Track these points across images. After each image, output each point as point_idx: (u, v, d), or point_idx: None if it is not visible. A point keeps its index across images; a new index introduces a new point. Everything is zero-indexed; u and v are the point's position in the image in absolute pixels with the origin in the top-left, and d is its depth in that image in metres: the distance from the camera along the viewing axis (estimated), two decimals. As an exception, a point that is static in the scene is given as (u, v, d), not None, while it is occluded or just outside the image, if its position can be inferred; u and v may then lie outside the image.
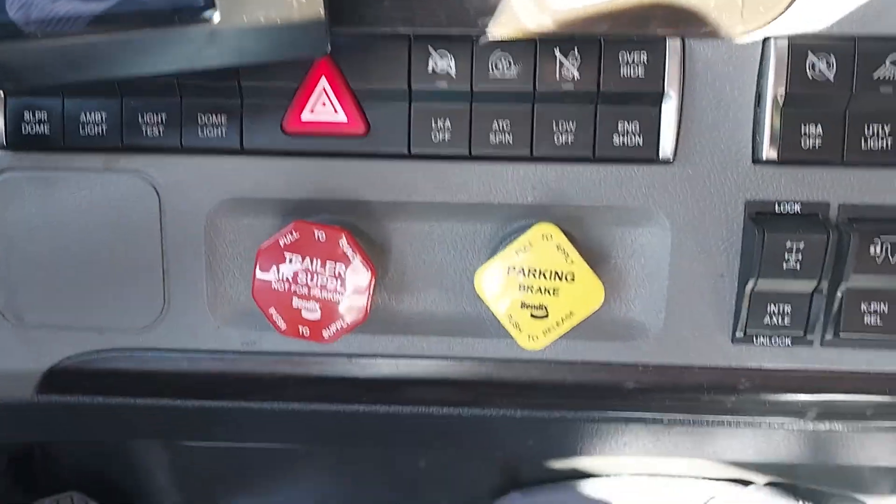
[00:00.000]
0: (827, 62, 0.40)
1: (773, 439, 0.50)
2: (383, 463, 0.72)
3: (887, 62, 0.40)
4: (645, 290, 0.45)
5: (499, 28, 0.42)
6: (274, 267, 0.42)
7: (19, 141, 0.45)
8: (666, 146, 0.42)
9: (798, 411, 0.46)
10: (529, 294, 0.41)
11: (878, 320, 0.42)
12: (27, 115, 0.45)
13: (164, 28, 0.36)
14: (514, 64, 0.42)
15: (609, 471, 0.70)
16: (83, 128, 0.44)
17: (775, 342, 0.44)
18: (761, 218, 0.42)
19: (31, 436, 0.64)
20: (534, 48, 0.42)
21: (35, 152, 0.45)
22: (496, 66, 0.42)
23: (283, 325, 0.43)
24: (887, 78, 0.40)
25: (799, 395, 0.45)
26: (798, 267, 0.41)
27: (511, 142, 0.43)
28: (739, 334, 0.44)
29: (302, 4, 0.37)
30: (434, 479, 0.72)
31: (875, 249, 0.41)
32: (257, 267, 0.42)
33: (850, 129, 0.41)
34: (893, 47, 0.40)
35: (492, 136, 0.43)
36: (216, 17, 0.36)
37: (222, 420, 0.51)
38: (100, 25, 0.36)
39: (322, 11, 0.37)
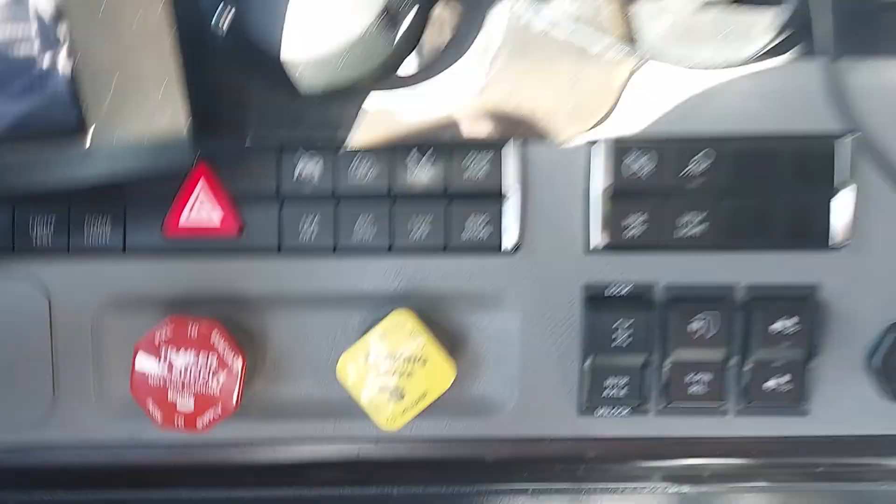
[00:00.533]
0: (645, 159, 0.46)
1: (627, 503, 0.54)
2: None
3: (697, 157, 0.46)
4: (499, 370, 0.49)
5: (356, 138, 0.47)
6: (151, 361, 0.46)
7: None
8: (509, 238, 0.47)
9: (642, 476, 0.50)
10: (386, 377, 0.45)
11: (703, 389, 0.47)
12: None
13: (37, 148, 0.40)
14: (373, 168, 0.47)
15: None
16: None
17: (615, 413, 0.48)
18: (595, 300, 0.47)
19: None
20: (389, 154, 0.47)
21: (-73, 258, 0.48)
22: (357, 171, 0.47)
23: (159, 418, 0.46)
24: (697, 172, 0.46)
25: (641, 461, 0.49)
26: (629, 344, 0.46)
27: (372, 237, 0.47)
28: (583, 407, 0.48)
29: (167, 123, 0.41)
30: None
31: (694, 325, 0.46)
32: (135, 362, 0.45)
33: (668, 217, 0.46)
34: (702, 145, 0.45)
35: (354, 233, 0.47)
36: (87, 138, 0.40)
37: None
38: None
39: (184, 129, 0.41)
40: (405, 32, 0.43)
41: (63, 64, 0.39)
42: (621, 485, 0.50)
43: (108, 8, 0.39)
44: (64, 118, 0.40)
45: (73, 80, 0.39)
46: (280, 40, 0.43)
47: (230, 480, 0.51)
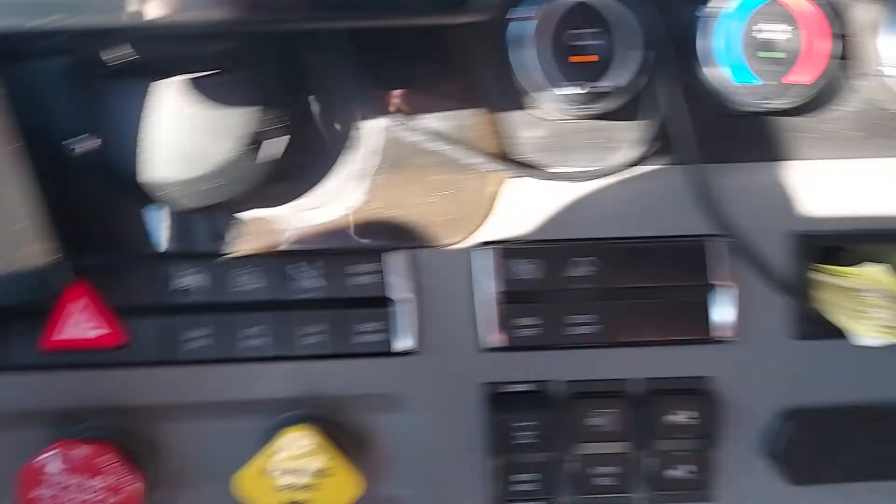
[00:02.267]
0: (530, 264, 0.46)
1: None
2: None
3: (580, 260, 0.46)
4: (409, 468, 0.48)
5: (235, 248, 0.45)
6: (38, 487, 0.44)
7: None
8: (404, 341, 0.47)
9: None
10: (292, 492, 0.44)
11: (609, 481, 0.48)
12: None
13: None
14: (256, 277, 0.46)
15: None
16: None
17: (529, 508, 0.48)
18: (494, 399, 0.47)
19: None
20: (277, 262, 0.46)
21: None
22: (239, 280, 0.46)
23: (52, 548, 0.44)
24: (581, 274, 0.46)
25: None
26: (533, 441, 0.47)
27: (263, 344, 0.46)
28: (494, 499, 0.48)
29: (30, 253, 0.39)
30: None
31: (594, 421, 0.47)
32: (20, 489, 0.44)
33: (558, 318, 0.46)
34: (583, 249, 0.46)
35: (243, 341, 0.46)
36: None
37: None
38: None
39: (49, 258, 0.40)
40: (270, 155, 0.42)
41: None
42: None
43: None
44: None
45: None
46: (142, 164, 0.41)
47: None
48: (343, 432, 0.47)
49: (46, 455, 0.44)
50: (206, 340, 0.46)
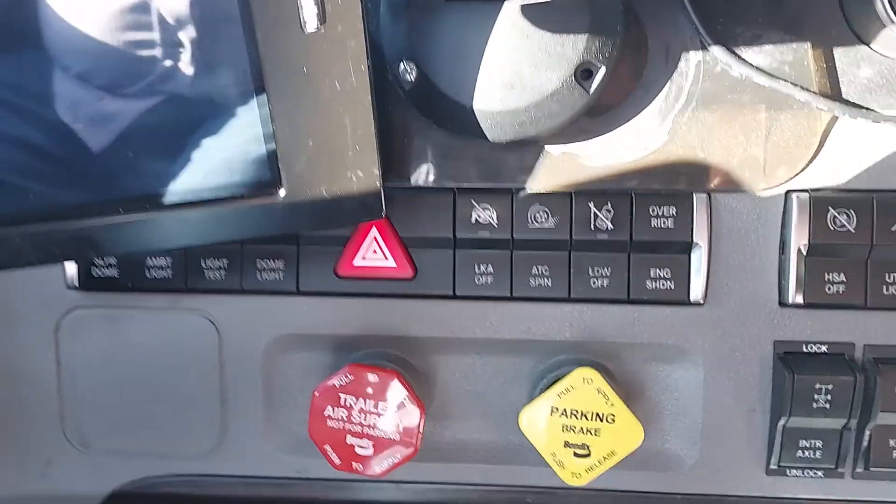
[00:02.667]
0: (847, 215, 0.43)
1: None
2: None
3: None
4: (680, 424, 0.47)
5: (536, 183, 0.45)
6: (329, 407, 0.46)
7: (90, 283, 0.49)
8: (696, 290, 0.45)
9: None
10: (572, 434, 0.44)
11: (906, 455, 0.45)
12: (98, 261, 0.49)
13: (232, 203, 0.40)
14: (552, 215, 0.45)
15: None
16: (149, 271, 0.48)
17: (808, 474, 0.46)
18: (790, 358, 0.45)
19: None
20: (569, 201, 0.45)
21: (104, 292, 0.49)
22: (534, 218, 0.46)
23: (337, 461, 0.46)
24: (906, 230, 0.43)
25: (832, 524, 0.47)
26: (827, 406, 0.44)
27: (549, 284, 0.46)
28: (773, 466, 0.46)
29: (360, 178, 0.40)
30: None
31: (899, 389, 0.44)
32: (313, 407, 0.46)
33: (871, 276, 0.44)
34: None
35: (531, 280, 0.46)
36: (282, 192, 0.40)
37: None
38: (173, 203, 0.40)
39: (378, 185, 0.40)
40: (597, 87, 0.41)
41: (184, 69, 0.38)
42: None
43: (310, 70, 0.38)
44: (260, 176, 0.40)
45: (272, 134, 0.39)
46: (470, 93, 0.41)
47: (392, 518, 0.52)
48: (614, 380, 0.46)
49: (340, 376, 0.45)
50: (493, 277, 0.46)
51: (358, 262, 0.47)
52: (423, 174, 0.45)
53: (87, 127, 0.39)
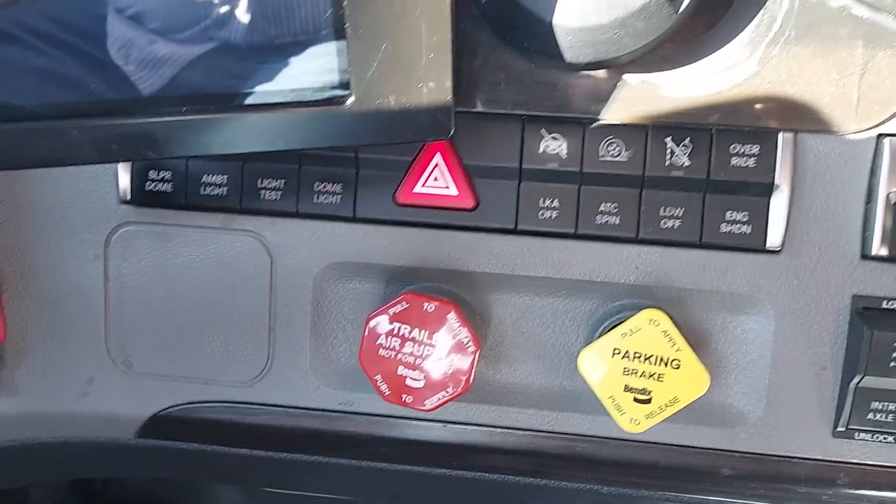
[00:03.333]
0: (941, 163, 0.41)
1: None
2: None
3: None
4: (745, 378, 0.45)
5: (611, 114, 0.43)
6: (382, 335, 0.44)
7: (143, 197, 0.47)
8: (774, 237, 0.43)
9: (898, 509, 0.45)
10: (633, 378, 0.42)
11: None
12: (152, 174, 0.47)
13: (299, 109, 0.38)
14: (625, 149, 0.43)
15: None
16: (204, 188, 0.47)
17: (878, 439, 0.43)
18: (869, 314, 0.42)
19: (121, 473, 0.66)
20: (645, 135, 0.43)
21: (156, 208, 0.48)
22: (607, 150, 0.43)
23: (386, 392, 0.44)
24: None
25: (901, 493, 0.45)
26: (908, 365, 0.41)
27: (617, 223, 0.44)
28: (841, 428, 0.44)
29: (431, 90, 0.38)
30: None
31: None
32: (366, 333, 0.44)
33: (965, 230, 0.41)
34: None
35: (598, 217, 0.44)
36: (350, 100, 0.38)
37: (314, 473, 0.52)
38: (236, 105, 0.39)
39: (450, 98, 0.38)
40: (687, 7, 0.38)
41: (241, 13, 0.36)
42: (875, 516, 0.46)
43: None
44: (329, 82, 0.38)
45: (345, 38, 0.37)
46: (551, 6, 0.39)
47: (436, 460, 0.50)
48: (679, 327, 0.43)
49: (396, 304, 0.43)
50: (558, 212, 0.44)
51: (418, 189, 0.45)
52: (492, 99, 0.43)
53: (137, 70, 0.38)
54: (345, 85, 0.38)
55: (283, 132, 0.39)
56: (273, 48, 0.38)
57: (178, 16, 0.38)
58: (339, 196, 0.46)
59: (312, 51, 0.38)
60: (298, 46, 0.38)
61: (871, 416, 0.43)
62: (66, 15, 0.37)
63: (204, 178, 0.47)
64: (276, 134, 0.39)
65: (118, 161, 0.40)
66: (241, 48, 0.38)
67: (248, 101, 0.38)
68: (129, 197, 0.48)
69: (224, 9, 0.37)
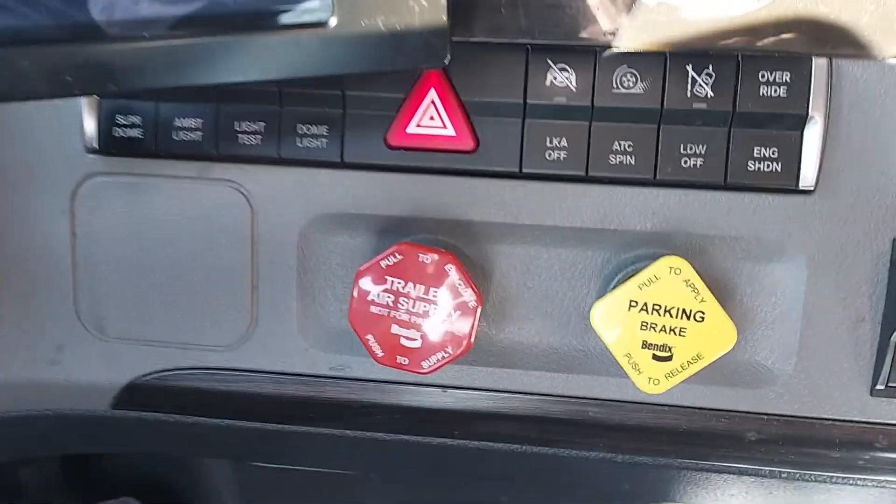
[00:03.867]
0: None
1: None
2: (461, 495, 0.68)
3: None
4: (775, 333, 0.41)
5: (625, 41, 0.38)
6: (373, 290, 0.40)
7: (111, 144, 0.43)
8: (807, 174, 0.39)
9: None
10: (652, 333, 0.38)
11: None
12: (120, 119, 0.43)
13: (274, 32, 0.34)
14: (641, 79, 0.39)
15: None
16: (177, 133, 0.43)
17: (922, 397, 0.39)
18: (912, 259, 0.38)
19: (100, 447, 0.62)
20: (663, 63, 0.38)
21: (126, 157, 0.44)
22: (620, 82, 0.39)
23: (380, 353, 0.40)
24: None
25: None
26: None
27: (633, 163, 0.40)
28: (880, 386, 0.40)
29: (424, 10, 0.34)
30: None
31: None
32: (356, 289, 0.40)
33: None
34: None
35: (611, 157, 0.40)
36: (332, 21, 0.34)
37: (303, 444, 0.48)
38: (203, 27, 0.34)
39: (445, 18, 0.34)
40: None
41: None
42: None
43: None
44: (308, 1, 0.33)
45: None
46: None
47: (436, 428, 0.46)
48: (701, 278, 0.39)
49: (388, 255, 0.39)
50: (567, 152, 0.40)
51: (412, 129, 0.41)
52: (492, 26, 0.38)
53: (122, 31, 0.34)
54: (327, 4, 0.33)
55: (259, 59, 0.34)
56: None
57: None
58: (325, 139, 0.41)
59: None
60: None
61: (912, 372, 0.39)
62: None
63: (176, 122, 0.42)
64: (251, 62, 0.34)
65: (73, 95, 0.36)
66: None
67: (219, 23, 0.34)
68: (96, 145, 0.43)
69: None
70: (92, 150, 0.44)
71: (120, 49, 0.34)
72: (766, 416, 0.41)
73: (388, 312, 0.40)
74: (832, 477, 0.43)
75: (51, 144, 0.44)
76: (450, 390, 0.44)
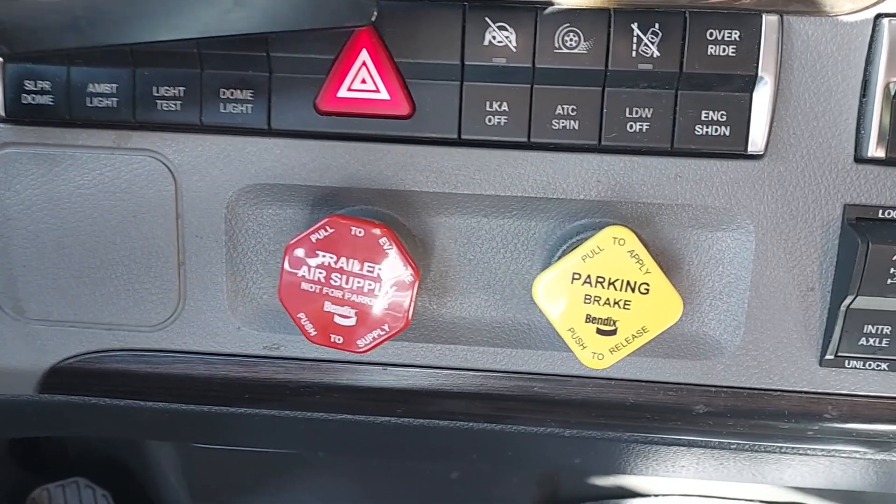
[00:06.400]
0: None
1: (851, 469, 0.44)
2: (411, 472, 0.66)
3: None
4: (722, 303, 0.39)
5: (570, -5, 0.35)
6: (304, 266, 0.36)
7: (20, 112, 0.39)
8: (756, 138, 0.36)
9: (888, 443, 0.40)
10: (596, 306, 0.35)
11: None
12: (28, 85, 0.39)
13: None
14: (584, 39, 0.36)
15: (658, 490, 0.64)
16: (91, 100, 0.39)
17: (870, 366, 0.38)
18: (863, 225, 0.36)
19: (31, 432, 0.58)
20: (607, 21, 0.36)
21: (38, 126, 0.40)
22: (563, 41, 0.36)
23: (312, 332, 0.37)
24: None
25: (893, 425, 0.39)
26: (903, 283, 0.35)
27: (576, 128, 0.37)
28: (829, 356, 0.38)
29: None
30: (466, 491, 0.67)
31: None
32: (285, 265, 0.36)
33: (974, 124, 0.34)
34: None
35: (554, 122, 0.37)
36: (245, -27, 0.30)
37: (239, 426, 0.46)
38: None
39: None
40: None
41: None
42: (864, 451, 0.40)
43: None
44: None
45: None
46: None
47: (376, 407, 0.43)
48: (647, 247, 0.36)
49: (319, 229, 0.36)
50: (508, 117, 0.37)
51: (343, 93, 0.38)
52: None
53: None
54: (237, -47, 0.30)
55: (173, 16, 0.31)
56: None
57: None
58: (251, 105, 0.38)
59: None
60: None
61: (863, 341, 0.37)
62: None
63: (89, 88, 0.38)
64: (164, 19, 0.31)
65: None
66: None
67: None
68: (2, 112, 0.39)
69: None
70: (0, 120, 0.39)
71: (27, 3, 0.30)
72: (713, 389, 0.39)
73: (320, 289, 0.37)
74: (782, 447, 0.41)
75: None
76: (390, 368, 0.41)
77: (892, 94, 0.35)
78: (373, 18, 0.32)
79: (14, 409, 0.47)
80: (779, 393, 0.39)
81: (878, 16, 0.35)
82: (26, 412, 0.47)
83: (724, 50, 0.35)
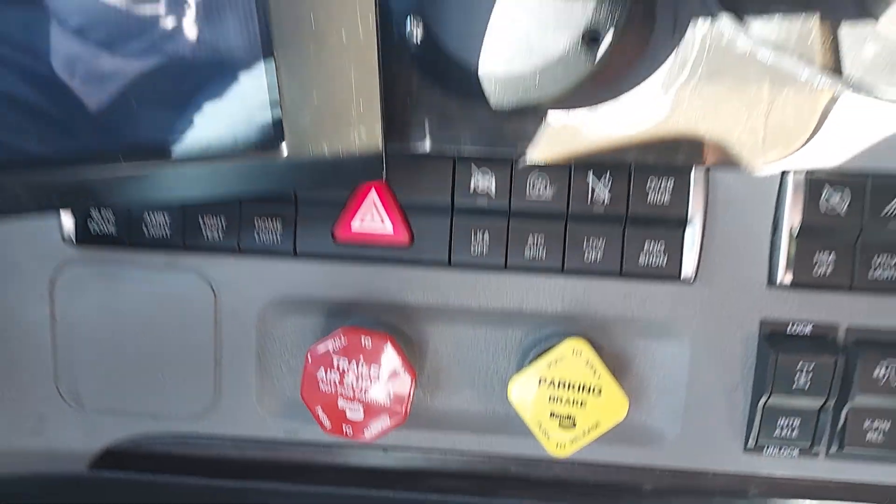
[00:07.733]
0: (841, 196, 0.42)
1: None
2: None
3: (898, 199, 0.42)
4: (664, 399, 0.46)
5: (537, 152, 0.43)
6: (322, 369, 0.44)
7: (87, 238, 0.46)
8: (688, 267, 0.44)
9: (806, 517, 0.47)
10: (558, 405, 0.42)
11: (880, 437, 0.43)
12: (94, 214, 0.46)
13: (233, 159, 0.38)
14: (550, 185, 0.43)
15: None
16: (147, 228, 0.46)
17: (784, 453, 0.45)
18: (775, 338, 0.43)
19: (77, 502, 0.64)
20: (568, 172, 0.43)
21: (101, 249, 0.47)
22: (533, 187, 0.44)
23: (328, 424, 0.44)
24: (896, 214, 0.41)
25: (805, 501, 0.46)
26: (807, 386, 0.42)
27: (544, 256, 0.44)
28: (751, 444, 0.45)
29: (362, 138, 0.38)
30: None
31: (879, 372, 0.42)
32: (306, 369, 0.43)
33: (859, 258, 0.42)
34: (902, 185, 0.41)
35: (526, 251, 0.44)
36: (284, 149, 0.38)
37: (261, 499, 0.52)
38: (172, 160, 0.38)
39: (381, 144, 0.38)
40: (603, 55, 0.39)
41: (188, 28, 0.36)
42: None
43: (317, 21, 0.36)
44: (263, 132, 0.38)
45: (277, 92, 0.37)
46: (476, 54, 0.39)
47: (378, 482, 0.50)
48: (603, 352, 0.44)
49: (334, 339, 0.43)
50: (489, 246, 0.44)
51: (356, 225, 0.45)
52: (424, 139, 0.43)
53: (83, 85, 0.36)
54: (279, 135, 0.38)
55: (219, 182, 0.38)
56: (208, 101, 0.37)
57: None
58: (280, 233, 0.45)
59: (248, 103, 0.37)
60: (235, 100, 0.37)
61: (777, 431, 0.44)
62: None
63: (146, 218, 0.46)
64: (211, 183, 0.38)
65: (59, 210, 0.39)
66: (176, 103, 0.37)
67: (183, 153, 0.38)
68: (73, 238, 0.46)
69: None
70: (69, 242, 0.47)
71: (98, 173, 0.37)
72: (658, 470, 0.46)
73: (335, 389, 0.43)
74: (717, 520, 0.47)
75: (32, 236, 0.47)
76: (390, 451, 0.48)
77: (796, 233, 0.43)
78: (383, 177, 0.39)
79: (66, 484, 0.53)
80: (711, 474, 0.46)
81: (784, 172, 0.43)
82: (77, 487, 0.53)
83: (661, 196, 0.43)
